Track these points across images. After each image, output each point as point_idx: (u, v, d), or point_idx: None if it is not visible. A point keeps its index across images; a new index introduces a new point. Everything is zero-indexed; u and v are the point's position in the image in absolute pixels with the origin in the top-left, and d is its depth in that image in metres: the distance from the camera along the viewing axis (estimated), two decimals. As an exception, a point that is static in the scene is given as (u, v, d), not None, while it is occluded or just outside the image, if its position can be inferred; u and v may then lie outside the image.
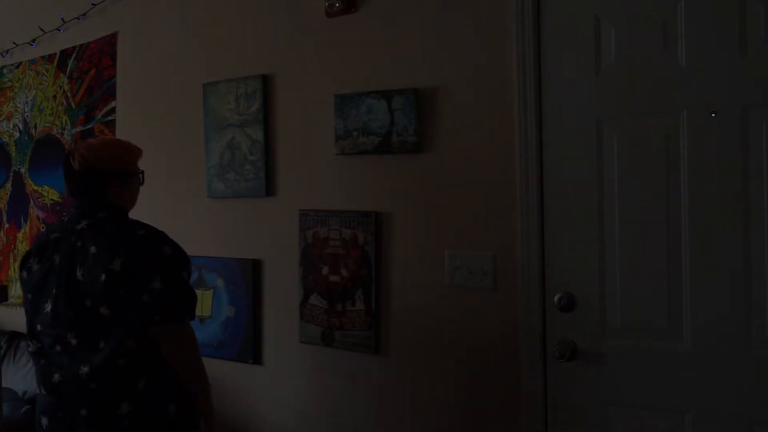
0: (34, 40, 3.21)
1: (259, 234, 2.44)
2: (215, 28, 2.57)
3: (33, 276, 1.75)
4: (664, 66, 1.72)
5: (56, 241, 1.73)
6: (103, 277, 1.60)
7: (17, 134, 3.39)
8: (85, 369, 1.63)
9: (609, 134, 1.80)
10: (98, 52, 2.99)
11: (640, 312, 1.76)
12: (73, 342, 1.66)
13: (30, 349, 1.77)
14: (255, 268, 2.44)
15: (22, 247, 3.32)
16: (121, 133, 2.88)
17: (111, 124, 2.93)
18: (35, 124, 3.29)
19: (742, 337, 1.63)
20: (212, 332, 2.54)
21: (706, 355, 1.67)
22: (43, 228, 3.25)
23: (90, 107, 3.03)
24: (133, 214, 1.86)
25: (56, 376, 1.68)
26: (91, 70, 3.02)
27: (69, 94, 3.12)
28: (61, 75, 3.15)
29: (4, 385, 2.82)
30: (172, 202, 2.69)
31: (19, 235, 3.37)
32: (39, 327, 1.73)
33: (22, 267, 1.80)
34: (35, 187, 3.30)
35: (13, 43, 3.32)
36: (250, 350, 2.44)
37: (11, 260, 3.40)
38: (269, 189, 2.40)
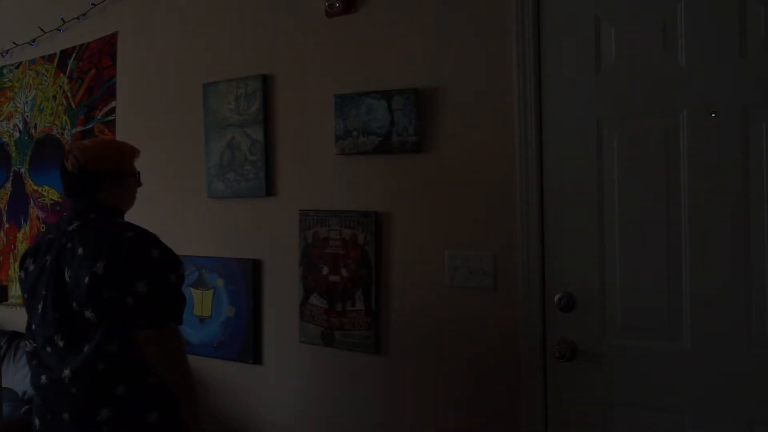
0: (34, 40, 3.21)
1: (259, 234, 2.44)
2: (215, 28, 2.57)
3: (29, 276, 1.75)
4: (664, 66, 1.72)
5: (50, 242, 1.73)
6: (87, 279, 1.58)
7: (17, 134, 3.39)
8: (66, 372, 1.62)
9: (609, 134, 1.80)
10: (98, 52, 2.99)
11: (640, 312, 1.76)
12: (60, 344, 1.65)
13: (27, 348, 1.77)
14: (255, 268, 2.44)
15: (22, 247, 3.32)
16: (121, 133, 2.88)
17: (111, 124, 2.93)
18: (35, 124, 3.29)
19: (742, 337, 1.63)
20: (212, 332, 2.54)
21: (706, 355, 1.67)
22: (43, 228, 3.25)
23: (90, 107, 3.03)
24: (133, 215, 1.85)
25: (43, 378, 1.68)
26: (91, 70, 3.02)
27: (69, 94, 3.12)
28: (61, 75, 3.15)
29: (4, 385, 2.82)
30: (172, 202, 2.69)
31: (19, 235, 3.37)
32: (34, 327, 1.73)
33: (20, 267, 1.81)
34: (35, 187, 3.30)
35: (13, 43, 3.32)
36: (250, 350, 2.44)
37: (11, 260, 3.40)
38: (269, 189, 2.40)
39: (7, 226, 3.44)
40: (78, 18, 3.03)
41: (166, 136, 2.72)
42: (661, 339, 1.73)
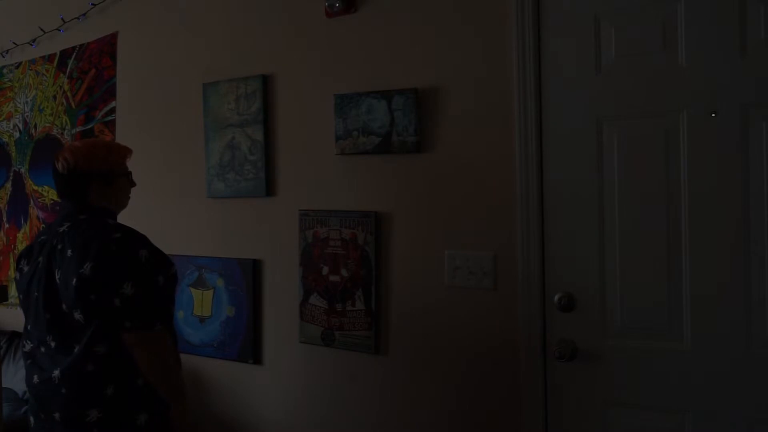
0: (34, 40, 3.21)
1: (259, 234, 2.44)
2: (215, 28, 2.57)
3: (23, 278, 1.76)
4: (664, 66, 1.72)
5: (42, 244, 1.74)
6: (74, 281, 1.58)
7: (17, 134, 3.39)
8: (56, 372, 1.63)
9: (609, 134, 1.80)
10: (98, 52, 2.99)
11: (640, 312, 1.76)
12: (52, 345, 1.66)
13: (24, 348, 1.78)
14: (255, 268, 2.44)
15: (22, 247, 3.32)
16: (121, 133, 2.88)
17: (111, 124, 2.93)
18: (35, 124, 3.29)
19: (742, 337, 1.63)
20: (212, 332, 2.54)
21: (706, 355, 1.67)
22: (42, 228, 3.25)
23: (90, 107, 3.03)
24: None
25: (35, 378, 1.69)
26: (91, 70, 3.02)
27: (69, 94, 3.12)
28: (61, 75, 3.15)
29: (4, 385, 2.82)
30: (172, 202, 2.69)
31: (19, 235, 3.37)
32: (29, 327, 1.74)
33: (16, 268, 1.82)
34: (35, 187, 3.30)
35: (13, 43, 3.32)
36: (250, 350, 2.44)
37: (11, 260, 3.40)
38: (269, 189, 2.40)
39: (7, 226, 3.44)
40: (78, 18, 3.03)
41: (166, 136, 2.72)
42: (661, 339, 1.73)
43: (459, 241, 2.00)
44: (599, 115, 1.80)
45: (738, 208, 1.64)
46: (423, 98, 2.04)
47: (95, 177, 1.74)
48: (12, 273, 3.38)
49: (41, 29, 3.15)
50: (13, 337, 3.17)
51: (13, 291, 3.23)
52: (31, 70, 3.31)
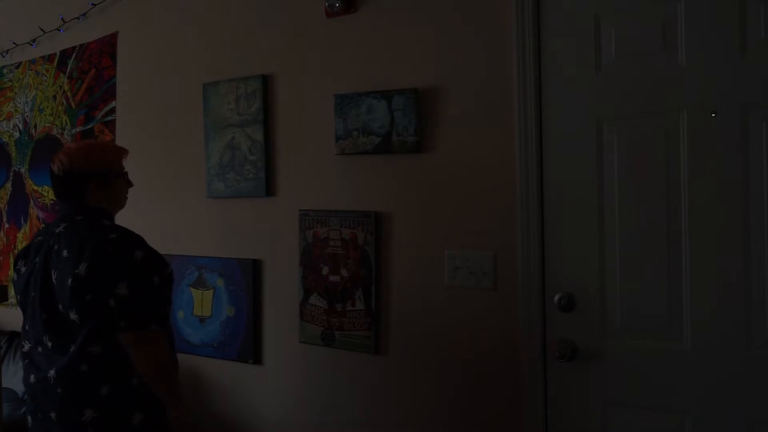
0: (34, 40, 3.21)
1: (259, 234, 2.44)
2: (215, 28, 2.57)
3: (21, 278, 1.77)
4: (664, 66, 1.72)
5: (39, 245, 1.75)
6: (70, 281, 1.58)
7: (17, 134, 3.39)
8: (52, 372, 1.63)
9: (609, 134, 1.80)
10: (98, 52, 2.99)
11: (640, 312, 1.76)
12: (49, 345, 1.67)
13: (23, 348, 1.78)
14: (255, 268, 2.44)
15: (22, 247, 3.32)
16: (121, 133, 2.88)
17: (111, 124, 2.93)
18: (35, 124, 3.29)
19: (742, 337, 1.63)
20: (212, 332, 2.54)
21: (706, 355, 1.67)
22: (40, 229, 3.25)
23: (90, 107, 3.03)
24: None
25: (32, 377, 1.70)
26: (91, 70, 3.02)
27: (69, 94, 3.12)
28: (61, 75, 3.15)
29: (4, 385, 2.82)
30: (173, 202, 2.69)
31: (19, 235, 3.37)
32: (27, 327, 1.75)
33: (14, 268, 1.83)
34: (35, 187, 3.30)
35: (13, 43, 3.32)
36: (250, 350, 2.44)
37: (11, 260, 3.40)
38: (269, 189, 2.40)
39: (7, 226, 3.44)
40: (78, 18, 3.03)
41: (166, 136, 2.72)
42: (661, 339, 1.73)
43: (459, 241, 2.00)
44: (599, 115, 1.80)
45: (738, 208, 1.63)
46: (423, 98, 2.04)
47: (91, 178, 1.74)
48: (11, 273, 3.38)
49: (41, 29, 3.15)
50: (13, 337, 3.17)
51: (12, 291, 3.23)
52: (31, 70, 3.31)
